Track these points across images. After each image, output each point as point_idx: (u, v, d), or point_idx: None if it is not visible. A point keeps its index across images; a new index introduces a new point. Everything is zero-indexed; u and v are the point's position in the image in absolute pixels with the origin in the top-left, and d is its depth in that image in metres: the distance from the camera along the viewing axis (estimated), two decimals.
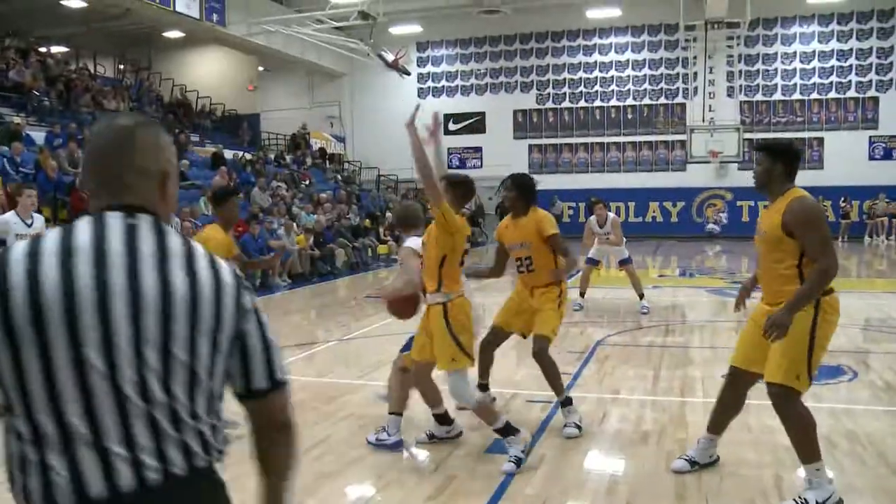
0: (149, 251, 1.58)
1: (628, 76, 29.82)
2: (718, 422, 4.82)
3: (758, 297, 4.63)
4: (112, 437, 1.50)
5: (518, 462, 4.82)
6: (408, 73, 29.43)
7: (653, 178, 29.31)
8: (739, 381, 4.64)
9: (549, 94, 30.44)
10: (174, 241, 1.63)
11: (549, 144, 30.45)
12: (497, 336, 6.02)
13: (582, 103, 30.17)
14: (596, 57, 30.04)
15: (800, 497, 4.21)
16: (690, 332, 10.18)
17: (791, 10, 27.93)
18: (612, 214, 11.77)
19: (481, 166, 29.81)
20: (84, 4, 22.91)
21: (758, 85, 28.85)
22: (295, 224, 18.22)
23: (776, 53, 28.63)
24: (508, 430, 4.90)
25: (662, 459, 5.02)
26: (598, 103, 30.05)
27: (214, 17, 22.64)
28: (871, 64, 27.83)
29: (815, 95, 28.42)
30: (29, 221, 8.06)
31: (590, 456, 5.18)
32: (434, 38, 31.04)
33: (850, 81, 28.07)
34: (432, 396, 5.38)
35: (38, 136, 17.28)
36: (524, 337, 6.00)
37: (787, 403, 4.23)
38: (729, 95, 28.83)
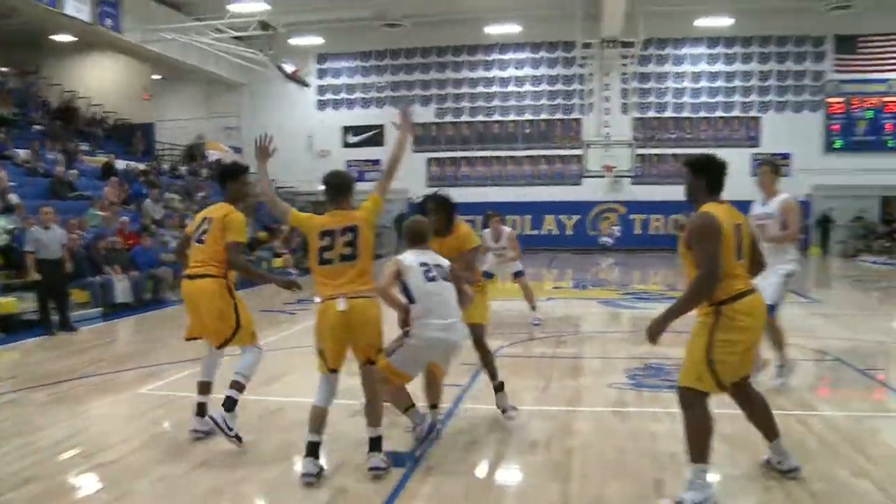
0: None
1: (526, 91, 30.43)
2: (761, 428, 4.93)
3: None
4: None
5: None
6: (307, 85, 29.34)
7: (549, 192, 29.91)
8: (737, 388, 4.76)
9: (448, 107, 30.76)
10: None
11: (448, 158, 30.75)
12: None
13: (481, 117, 30.61)
14: (495, 72, 30.56)
15: (678, 496, 4.43)
16: (582, 343, 10.44)
17: (681, 32, 29.06)
18: (507, 229, 11.76)
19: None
20: None
21: (650, 102, 29.88)
22: None
23: (668, 73, 29.76)
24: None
25: (549, 467, 5.15)
26: (496, 118, 30.54)
27: (108, 21, 21.94)
28: (753, 86, 29.27)
29: (703, 113, 29.64)
30: None
31: (479, 466, 5.27)
32: (335, 50, 30.97)
33: (735, 101, 29.42)
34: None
35: None
36: None
37: (687, 402, 4.52)
38: (623, 112, 29.75)
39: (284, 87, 29.13)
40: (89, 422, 6.57)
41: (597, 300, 14.89)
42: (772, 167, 7.53)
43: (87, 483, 5.03)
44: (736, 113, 29.45)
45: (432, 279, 5.27)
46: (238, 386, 5.73)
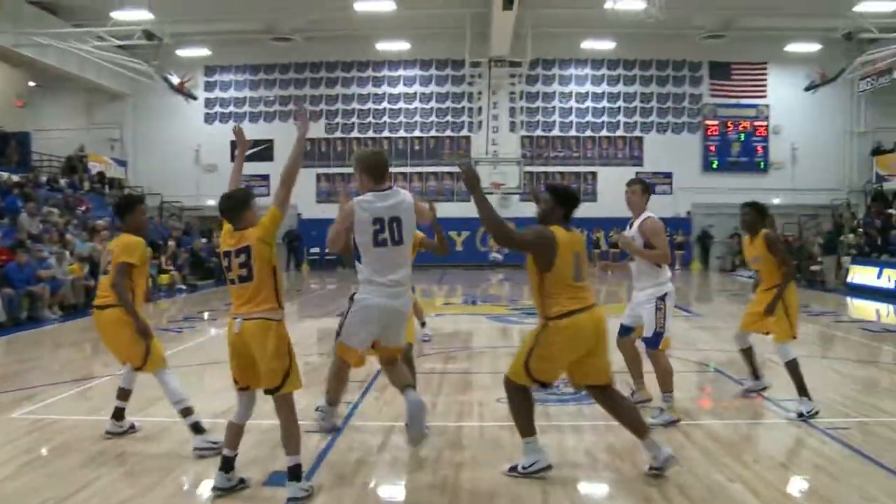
0: None
1: (416, 108, 30.64)
2: (631, 428, 5.35)
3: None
4: None
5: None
6: (194, 98, 28.71)
7: (438, 208, 29.98)
8: (601, 394, 5.38)
9: (338, 123, 30.66)
10: None
11: (338, 174, 30.58)
12: None
13: (371, 133, 30.63)
14: (385, 88, 30.65)
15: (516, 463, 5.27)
16: (471, 359, 10.55)
17: (567, 53, 29.91)
18: None
19: (268, 194, 29.18)
20: None
21: (538, 121, 30.58)
22: (68, 252, 17.14)
23: (554, 92, 30.56)
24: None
25: (438, 483, 5.18)
26: (386, 133, 30.62)
27: None
28: (636, 107, 30.39)
29: (589, 133, 30.56)
30: None
31: (369, 483, 5.25)
32: (223, 63, 30.45)
33: (619, 121, 30.45)
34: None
35: None
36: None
37: (508, 389, 5.33)
38: (511, 130, 30.33)
39: (171, 98, 28.41)
40: None
41: (486, 316, 15.08)
42: (642, 186, 7.12)
43: None
44: (620, 133, 30.51)
45: (382, 243, 5.33)
46: (186, 411, 5.93)
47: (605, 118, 30.63)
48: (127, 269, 5.97)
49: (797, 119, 29.88)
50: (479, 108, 30.40)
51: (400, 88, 30.69)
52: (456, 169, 30.22)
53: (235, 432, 4.97)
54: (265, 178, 29.66)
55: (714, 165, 30.40)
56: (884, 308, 17.25)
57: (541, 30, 27.24)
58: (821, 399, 7.18)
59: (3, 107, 27.30)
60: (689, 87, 30.53)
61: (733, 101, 30.39)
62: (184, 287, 21.55)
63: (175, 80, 26.96)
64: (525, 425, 5.28)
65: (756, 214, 7.58)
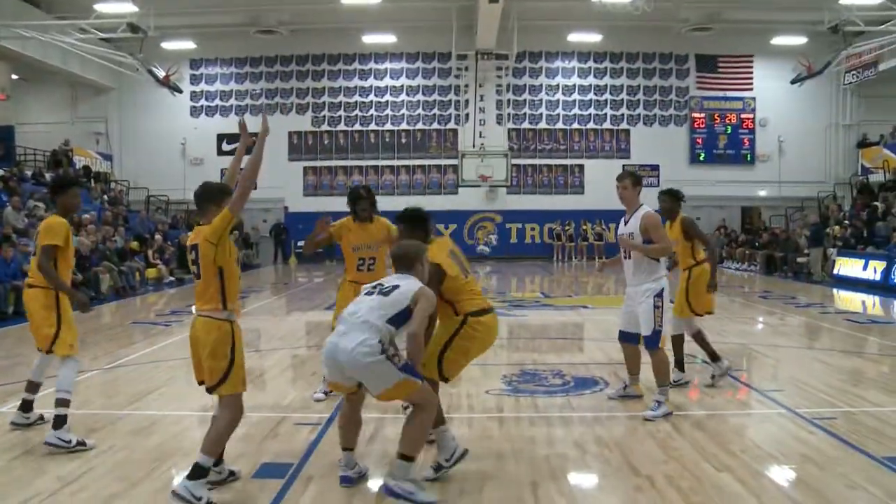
0: None
1: (403, 101, 30.59)
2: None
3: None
4: None
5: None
6: (179, 91, 28.55)
7: (426, 201, 29.89)
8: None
9: (324, 116, 30.57)
10: None
11: (325, 167, 30.53)
12: None
13: (357, 126, 30.56)
14: (371, 81, 30.58)
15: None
16: None
17: (554, 45, 29.93)
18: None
19: (256, 187, 29.16)
20: None
21: (525, 114, 30.59)
22: None
23: (541, 85, 30.56)
24: None
25: (428, 473, 5.18)
26: (373, 127, 30.56)
27: None
28: (622, 100, 30.45)
29: (576, 126, 30.59)
30: None
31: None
32: (209, 56, 30.31)
33: (605, 114, 30.50)
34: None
35: None
36: None
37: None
38: (498, 123, 30.32)
39: (156, 92, 28.27)
40: None
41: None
42: (632, 179, 6.89)
43: None
44: (607, 126, 30.55)
45: (368, 293, 4.90)
46: (63, 402, 5.87)
47: (591, 111, 30.66)
48: (51, 251, 5.97)
49: (783, 112, 30.01)
50: (466, 101, 30.38)
51: (386, 81, 30.62)
52: (443, 162, 30.25)
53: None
54: None
55: (701, 158, 30.50)
56: (869, 299, 17.36)
57: (527, 22, 27.23)
58: (807, 389, 7.22)
59: None
60: (675, 79, 30.60)
61: (720, 93, 30.49)
62: (172, 279, 21.47)
63: (160, 73, 26.79)
64: (435, 418, 4.91)
65: (672, 201, 7.88)
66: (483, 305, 5.27)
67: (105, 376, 8.87)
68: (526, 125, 30.68)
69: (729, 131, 30.60)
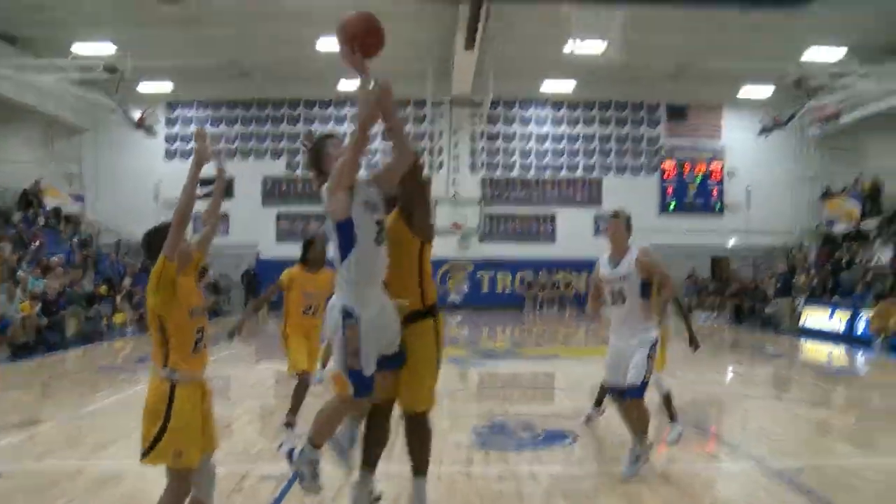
0: None
1: (377, 147, 30.68)
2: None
3: None
4: None
5: None
6: (155, 133, 28.49)
7: None
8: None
9: (299, 161, 30.60)
10: None
11: (298, 213, 30.41)
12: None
13: None
14: (347, 127, 30.67)
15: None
16: None
17: (528, 94, 30.31)
18: None
19: (228, 233, 29.26)
20: None
21: (498, 162, 30.86)
22: (19, 289, 16.79)
23: (515, 133, 30.91)
24: None
25: None
26: None
27: None
28: (594, 148, 30.85)
29: (548, 174, 30.88)
30: None
31: None
32: (185, 98, 30.30)
33: (578, 163, 30.85)
34: None
35: None
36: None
37: (422, 422, 5.03)
38: (472, 170, 30.55)
39: (131, 133, 28.19)
40: None
41: (445, 358, 14.97)
42: (626, 219, 6.49)
43: None
44: (579, 174, 30.89)
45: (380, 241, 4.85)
46: None
47: (564, 159, 31.01)
48: None
49: (751, 162, 30.52)
50: (440, 148, 30.59)
51: None
52: None
53: None
54: (224, 216, 29.53)
55: (671, 207, 30.86)
56: (836, 350, 17.55)
57: (502, 70, 27.52)
58: (776, 440, 7.26)
59: None
60: (646, 128, 31.07)
61: (690, 143, 30.98)
62: (135, 327, 21.12)
63: (136, 114, 26.76)
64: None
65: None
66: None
67: (69, 424, 8.72)
68: (499, 173, 30.92)
69: (698, 181, 31.04)
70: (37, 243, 22.37)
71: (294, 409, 7.65)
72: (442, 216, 28.88)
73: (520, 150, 31.01)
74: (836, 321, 20.17)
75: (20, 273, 18.05)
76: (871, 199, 27.32)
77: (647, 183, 30.87)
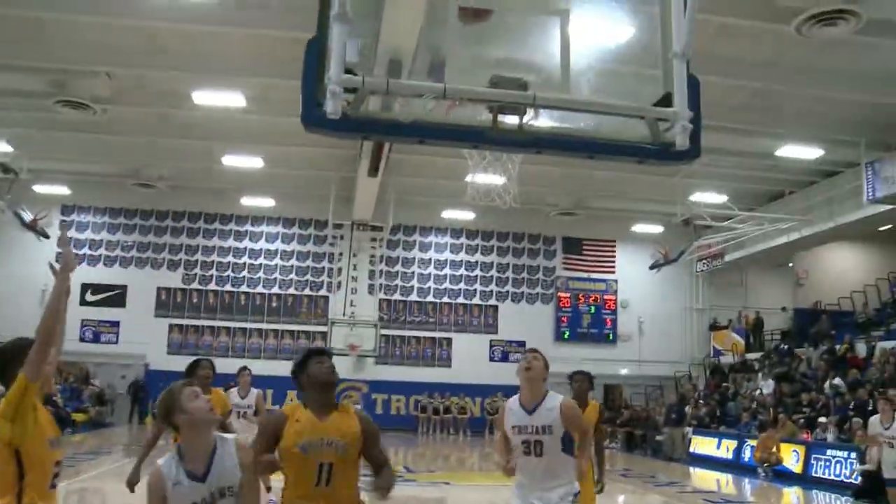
0: None
1: (276, 265, 30.55)
2: None
3: None
4: None
5: None
6: (47, 236, 27.60)
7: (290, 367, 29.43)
8: None
9: (196, 274, 30.05)
10: None
11: (192, 325, 29.67)
12: None
13: (228, 287, 30.14)
14: (247, 243, 30.51)
15: None
16: None
17: (428, 221, 30.90)
18: (256, 390, 10.67)
19: (117, 342, 28.27)
20: None
21: (396, 285, 31.03)
22: None
23: (414, 258, 31.28)
24: None
25: None
26: (244, 288, 30.20)
27: None
28: (492, 276, 31.47)
29: (446, 299, 31.17)
30: None
31: None
32: (82, 203, 29.60)
33: (475, 290, 31.33)
34: None
35: None
36: None
37: None
38: (370, 293, 30.57)
39: (20, 235, 27.19)
40: None
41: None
42: (545, 359, 5.67)
43: None
44: (476, 301, 31.30)
45: None
46: None
47: (462, 286, 31.43)
48: None
49: (643, 294, 31.61)
50: (340, 269, 30.61)
51: (262, 244, 30.61)
52: (312, 328, 29.88)
53: None
54: (115, 324, 28.60)
55: (566, 336, 31.43)
56: (723, 477, 17.89)
57: (403, 197, 28.09)
58: None
59: None
60: (543, 259, 31.94)
61: (584, 275, 31.97)
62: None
63: (27, 216, 25.97)
64: None
65: (588, 382, 7.94)
66: None
67: None
68: (397, 296, 31.05)
69: (592, 311, 31.87)
70: None
71: None
72: (339, 337, 28.63)
73: (418, 275, 31.31)
74: (724, 449, 20.67)
75: None
76: (754, 333, 28.70)
77: (543, 312, 31.50)
